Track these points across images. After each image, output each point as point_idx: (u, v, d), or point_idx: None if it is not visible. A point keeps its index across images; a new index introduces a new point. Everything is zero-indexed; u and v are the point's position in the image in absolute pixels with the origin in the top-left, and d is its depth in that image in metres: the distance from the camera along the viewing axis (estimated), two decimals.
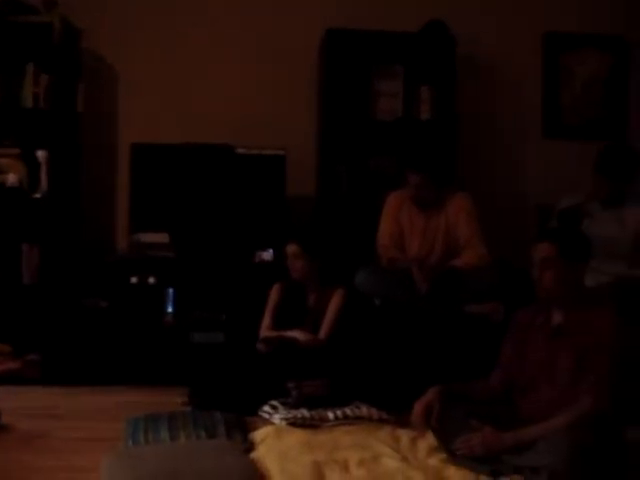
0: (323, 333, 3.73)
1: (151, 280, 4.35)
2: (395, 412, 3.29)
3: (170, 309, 4.33)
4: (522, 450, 2.62)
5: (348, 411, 3.26)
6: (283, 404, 3.32)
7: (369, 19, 4.78)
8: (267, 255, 4.44)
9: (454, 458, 2.72)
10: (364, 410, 3.29)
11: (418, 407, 2.94)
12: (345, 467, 2.66)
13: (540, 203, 4.69)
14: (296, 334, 3.72)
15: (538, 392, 2.84)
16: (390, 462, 2.73)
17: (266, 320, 3.87)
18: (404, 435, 3.00)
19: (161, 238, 4.44)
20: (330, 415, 3.21)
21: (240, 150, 4.57)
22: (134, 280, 4.33)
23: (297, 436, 2.99)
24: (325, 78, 4.77)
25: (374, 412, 3.29)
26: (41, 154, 4.40)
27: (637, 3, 5.22)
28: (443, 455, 2.78)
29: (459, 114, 4.75)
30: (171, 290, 4.33)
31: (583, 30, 5.22)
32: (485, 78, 5.10)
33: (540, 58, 5.25)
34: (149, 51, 4.84)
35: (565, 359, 2.76)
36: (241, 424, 3.15)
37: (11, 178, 4.39)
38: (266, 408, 3.33)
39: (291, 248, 3.85)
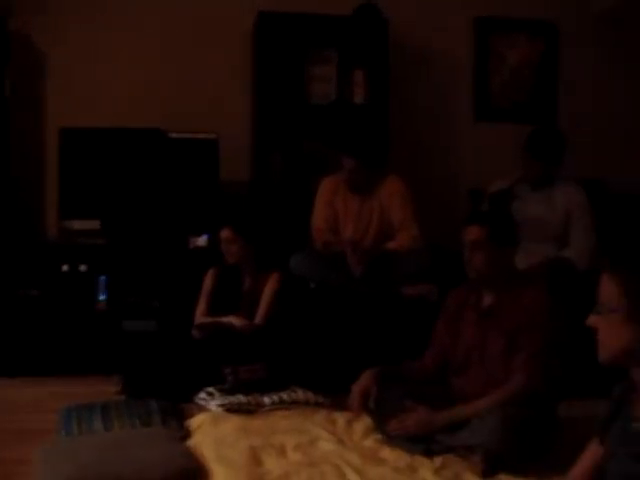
0: (259, 318, 3.72)
1: (82, 268, 4.26)
2: (331, 395, 3.31)
3: (102, 297, 4.25)
4: (456, 429, 2.67)
5: (284, 395, 3.27)
6: (219, 390, 3.30)
7: (302, 2, 4.75)
8: (201, 240, 4.40)
9: (389, 439, 2.75)
10: (300, 394, 3.30)
11: (355, 389, 2.96)
12: (282, 451, 2.67)
13: (472, 186, 4.75)
14: (231, 319, 3.69)
15: (471, 371, 2.89)
16: (326, 445, 2.75)
17: (201, 306, 3.84)
18: (340, 418, 3.03)
19: (92, 225, 4.36)
20: (266, 400, 3.22)
21: (172, 134, 4.51)
22: (65, 268, 4.23)
23: (233, 422, 2.98)
24: (258, 62, 4.72)
25: (310, 396, 3.30)
26: None
27: None
28: (379, 436, 2.82)
29: (392, 98, 4.76)
30: (103, 278, 4.25)
31: (514, 15, 5.28)
32: (417, 62, 5.13)
33: (471, 42, 5.30)
34: (78, 34, 4.72)
35: (496, 339, 2.81)
36: (176, 412, 3.12)
37: None
38: (202, 395, 3.31)
39: (225, 232, 3.82)
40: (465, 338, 2.93)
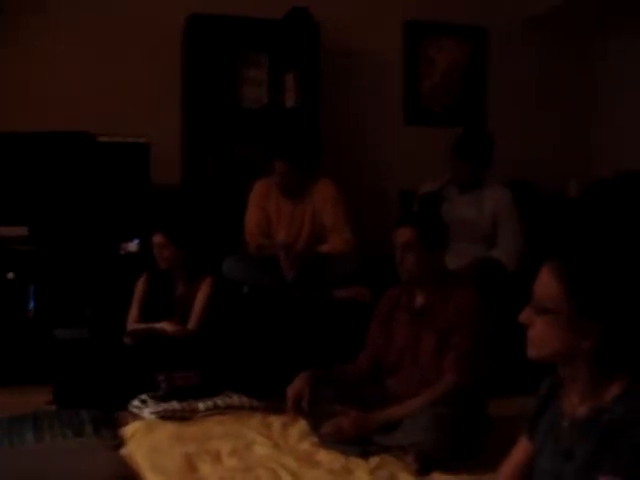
0: (192, 323, 3.69)
1: (10, 275, 4.15)
2: (266, 399, 3.31)
3: (32, 305, 4.16)
4: (390, 430, 2.70)
5: (219, 401, 3.25)
6: (153, 397, 3.26)
7: (233, 5, 4.73)
8: (133, 246, 4.34)
9: (325, 442, 2.77)
10: (235, 399, 3.29)
11: (289, 393, 2.97)
12: (217, 457, 2.66)
13: (403, 188, 4.81)
14: (164, 325, 3.65)
15: (404, 372, 2.93)
16: (262, 449, 2.75)
17: (133, 312, 3.79)
18: (275, 421, 3.03)
19: (19, 231, 4.24)
20: (201, 406, 3.19)
21: (102, 138, 4.43)
22: None
23: (168, 429, 2.96)
24: (189, 65, 4.69)
25: (245, 400, 3.29)
26: None
27: None
28: (314, 439, 2.83)
29: (323, 101, 4.79)
30: (32, 285, 4.16)
31: (444, 19, 5.37)
32: (348, 65, 5.16)
33: (402, 46, 5.36)
34: (5, 35, 4.60)
35: (428, 339, 2.86)
36: (110, 420, 3.08)
37: None
38: (135, 403, 3.27)
39: (157, 237, 3.79)
40: (398, 339, 2.97)
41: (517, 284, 3.64)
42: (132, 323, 3.76)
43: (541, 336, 1.67)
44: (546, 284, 1.67)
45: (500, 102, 5.50)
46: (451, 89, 5.49)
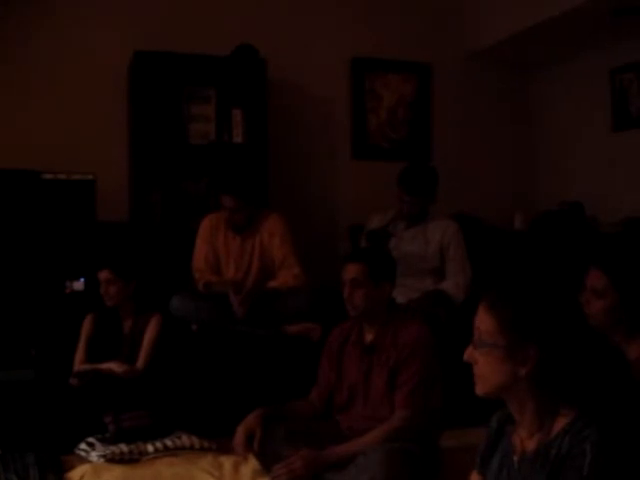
0: (140, 362, 3.63)
1: None
2: (217, 439, 3.26)
3: None
4: (343, 467, 2.68)
5: (169, 442, 3.19)
6: (100, 440, 3.19)
7: (179, 42, 4.74)
8: (78, 284, 4.27)
9: None
10: (185, 439, 3.23)
11: (239, 432, 2.93)
12: None
13: (352, 223, 4.83)
14: (112, 365, 3.58)
15: (356, 408, 2.92)
16: None
17: (79, 353, 3.71)
18: (227, 461, 2.99)
19: None
20: (150, 448, 3.13)
21: (46, 175, 4.37)
22: None
23: (115, 473, 2.89)
24: (135, 101, 4.68)
25: (195, 441, 3.24)
26: None
27: (440, 29, 5.55)
28: (266, 479, 2.79)
29: (271, 136, 4.80)
30: None
31: (388, 55, 5.46)
32: (296, 101, 5.20)
33: (348, 82, 5.43)
34: None
35: (379, 374, 2.86)
36: (56, 464, 2.99)
37: None
38: (82, 446, 3.19)
39: (103, 274, 3.73)
40: (349, 375, 2.96)
41: (465, 316, 3.67)
42: (78, 364, 3.68)
43: (484, 371, 1.71)
44: (482, 319, 1.73)
45: (445, 136, 5.60)
46: (398, 124, 5.56)
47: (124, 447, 3.10)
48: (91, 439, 3.20)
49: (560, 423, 1.67)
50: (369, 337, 2.94)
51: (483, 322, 1.72)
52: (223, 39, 4.80)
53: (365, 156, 5.40)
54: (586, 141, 5.38)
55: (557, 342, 1.67)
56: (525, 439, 1.73)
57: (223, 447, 3.16)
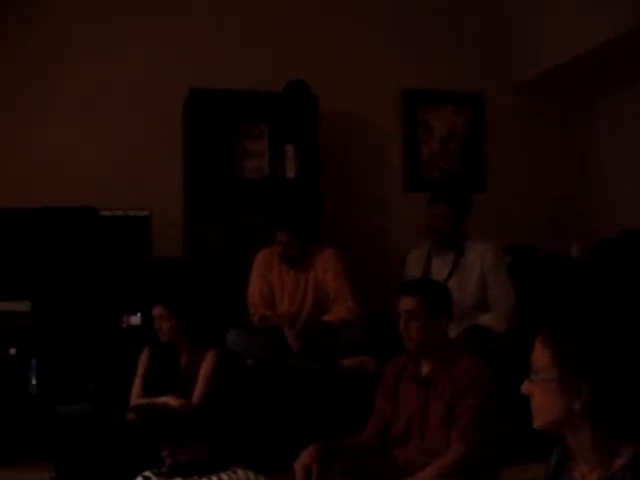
0: (196, 397, 3.64)
1: (12, 351, 4.13)
2: (273, 474, 3.24)
3: (34, 380, 4.12)
4: None
5: (225, 477, 3.17)
6: (157, 474, 3.18)
7: (233, 79, 4.82)
8: (135, 319, 4.33)
9: None
10: (241, 474, 3.21)
11: (297, 467, 2.90)
12: None
13: (404, 254, 4.79)
14: (168, 400, 3.60)
15: (412, 442, 2.87)
16: None
17: (136, 387, 3.74)
18: None
19: (22, 306, 4.24)
20: None
21: (103, 212, 4.46)
22: None
23: None
24: (190, 137, 4.76)
25: (252, 476, 3.21)
26: None
27: (490, 60, 5.54)
28: None
29: (323, 171, 4.83)
30: (34, 360, 4.13)
31: (439, 87, 5.46)
32: (347, 135, 5.23)
33: (400, 114, 5.44)
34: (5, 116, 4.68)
35: (435, 408, 2.81)
36: None
37: None
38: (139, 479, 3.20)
39: (157, 310, 3.77)
40: (405, 408, 2.92)
41: (518, 346, 3.61)
42: (135, 398, 3.72)
43: (539, 404, 1.68)
44: (537, 352, 1.70)
45: (499, 167, 5.56)
46: (450, 155, 5.54)
47: None
48: (147, 473, 3.20)
49: (621, 459, 1.62)
50: (425, 370, 2.90)
51: (538, 353, 1.69)
52: (275, 75, 4.88)
53: (417, 188, 5.37)
54: None
55: (611, 377, 1.63)
56: (586, 474, 1.68)
57: None
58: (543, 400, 1.67)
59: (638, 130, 5.35)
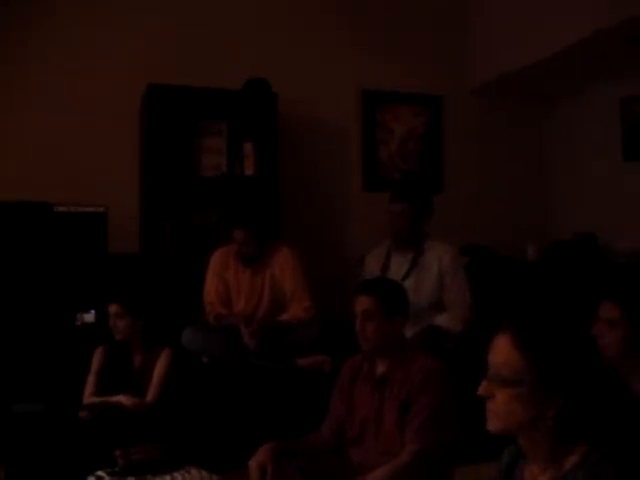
0: (150, 395, 3.61)
1: None
2: (227, 473, 3.23)
3: None
4: None
5: (178, 476, 3.16)
6: (110, 474, 3.15)
7: (192, 75, 4.79)
8: (89, 317, 4.28)
9: None
10: (195, 473, 3.19)
11: (251, 466, 2.89)
12: None
13: (363, 254, 4.81)
14: (121, 398, 3.56)
15: (367, 442, 2.88)
16: None
17: (89, 386, 3.69)
18: None
19: None
20: None
21: (59, 208, 4.39)
22: None
23: None
24: (147, 133, 4.71)
25: (205, 475, 3.20)
26: None
27: (450, 63, 5.58)
28: None
29: (282, 169, 4.82)
30: None
31: (399, 88, 5.49)
32: (307, 134, 5.23)
33: (359, 114, 5.45)
34: None
35: (391, 408, 2.82)
36: None
37: None
38: (91, 479, 3.16)
39: (113, 307, 3.73)
40: (360, 408, 2.93)
41: (473, 347, 3.65)
42: (88, 396, 3.67)
43: (503, 409, 1.65)
44: (507, 355, 1.65)
45: (457, 168, 5.61)
46: (408, 156, 5.57)
47: None
48: (100, 472, 3.16)
49: (573, 458, 1.64)
50: (380, 370, 2.91)
51: (508, 358, 1.64)
52: (235, 73, 4.85)
53: (376, 187, 5.41)
54: (598, 171, 5.38)
55: (583, 384, 1.64)
56: (537, 474, 1.69)
57: None
58: (508, 405, 1.64)
59: (593, 133, 5.45)
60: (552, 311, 1.77)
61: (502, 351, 1.66)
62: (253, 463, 2.87)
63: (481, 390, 1.67)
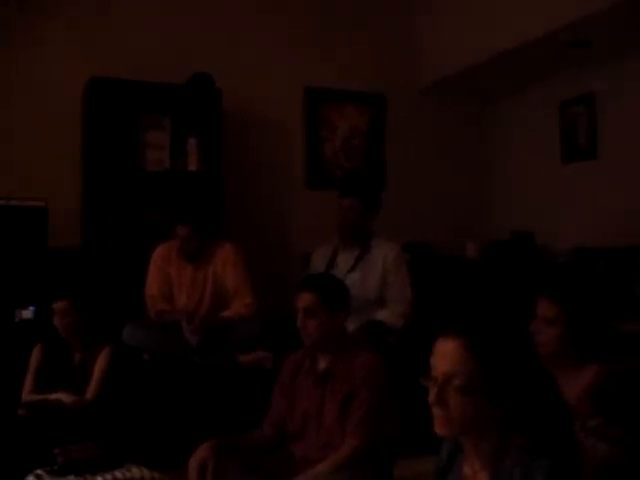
0: (90, 393, 3.56)
1: None
2: (169, 471, 3.21)
3: None
4: None
5: (119, 474, 3.12)
6: (49, 472, 3.10)
7: (135, 70, 4.73)
8: (28, 313, 4.20)
9: None
10: (135, 472, 3.16)
11: (192, 464, 2.88)
12: None
13: (306, 251, 4.84)
14: (60, 396, 3.51)
15: (309, 437, 2.89)
16: None
17: (28, 383, 3.63)
18: None
19: None
20: None
21: None
22: None
23: None
24: (89, 128, 4.65)
25: (146, 473, 3.17)
26: None
27: (394, 62, 5.63)
28: None
29: (225, 165, 4.81)
30: None
31: (343, 86, 5.52)
32: (251, 130, 5.23)
33: (302, 111, 5.47)
34: None
35: (331, 403, 2.85)
36: None
37: None
38: (31, 478, 3.09)
39: (61, 304, 3.67)
40: (301, 404, 2.94)
41: (409, 339, 3.70)
42: (26, 394, 3.61)
43: (458, 415, 1.65)
44: (459, 362, 1.66)
45: (399, 166, 5.67)
46: (352, 153, 5.61)
47: (73, 479, 3.04)
48: (39, 471, 3.12)
49: (512, 454, 1.67)
50: (322, 366, 2.93)
51: (461, 363, 1.65)
52: (179, 68, 4.82)
53: (319, 185, 5.44)
54: (537, 172, 5.49)
55: (526, 382, 1.68)
56: (478, 470, 1.72)
57: (174, 479, 3.11)
58: (463, 410, 1.64)
59: (533, 134, 5.56)
60: (497, 314, 1.80)
61: (453, 357, 1.66)
62: (194, 461, 2.87)
63: (432, 398, 1.66)
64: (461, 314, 1.86)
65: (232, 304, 4.12)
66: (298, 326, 2.90)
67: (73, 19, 4.83)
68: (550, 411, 1.67)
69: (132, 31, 4.95)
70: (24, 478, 3.12)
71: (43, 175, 4.63)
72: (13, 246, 4.30)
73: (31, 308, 4.19)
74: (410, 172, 5.68)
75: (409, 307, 4.05)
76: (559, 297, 2.50)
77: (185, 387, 3.83)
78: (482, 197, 5.92)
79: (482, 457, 1.71)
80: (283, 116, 5.38)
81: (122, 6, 4.96)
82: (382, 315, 3.99)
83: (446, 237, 5.46)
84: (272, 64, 5.31)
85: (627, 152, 4.76)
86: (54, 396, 3.53)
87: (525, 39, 4.63)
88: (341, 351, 2.90)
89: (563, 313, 2.46)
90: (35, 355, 3.71)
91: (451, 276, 5.02)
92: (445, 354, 1.67)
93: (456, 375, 1.64)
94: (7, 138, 4.63)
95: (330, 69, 5.46)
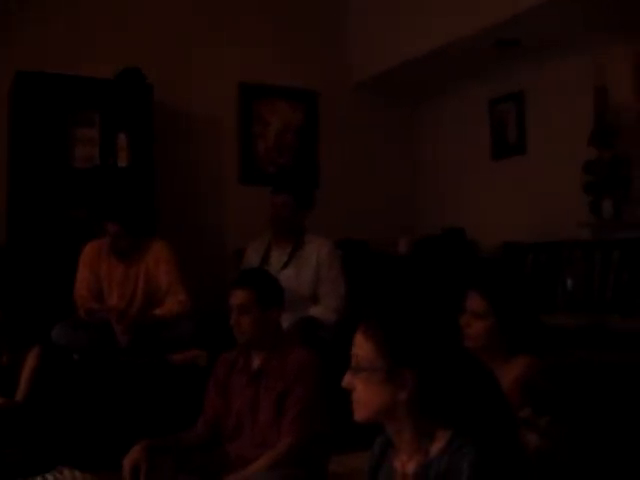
0: (19, 395, 3.49)
1: None
2: (101, 473, 3.16)
3: None
4: None
5: (50, 477, 3.07)
6: None
7: (63, 63, 4.63)
8: None
9: None
10: (67, 474, 3.11)
11: (125, 465, 2.84)
12: None
13: (239, 247, 4.82)
14: None
15: (244, 436, 2.89)
16: None
17: None
18: None
19: None
20: None
21: None
22: None
23: None
24: (16, 123, 4.53)
25: (78, 475, 3.12)
26: None
27: (327, 58, 5.64)
28: None
29: (157, 161, 4.75)
30: None
31: (276, 82, 5.50)
32: (183, 126, 5.18)
33: (235, 107, 5.44)
34: None
35: (266, 401, 2.85)
36: None
37: None
38: None
39: None
40: (236, 402, 2.93)
41: (342, 334, 3.72)
42: None
43: (362, 397, 1.71)
44: (359, 344, 1.73)
45: (332, 163, 5.69)
46: (285, 150, 5.61)
47: None
48: None
49: (438, 444, 1.69)
50: (256, 363, 2.92)
51: (361, 347, 1.72)
52: (109, 62, 4.75)
53: (252, 181, 5.42)
54: (468, 169, 5.57)
55: (433, 366, 1.70)
56: (405, 462, 1.75)
57: None
58: (367, 392, 1.70)
59: (463, 132, 5.64)
60: (406, 300, 1.85)
61: (358, 342, 1.73)
62: (127, 462, 2.83)
63: (344, 382, 1.74)
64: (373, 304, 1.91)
65: (165, 302, 4.08)
66: (231, 324, 2.89)
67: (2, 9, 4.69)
68: (475, 398, 1.69)
69: (61, 23, 4.84)
70: None
71: None
72: None
73: None
74: (343, 169, 5.70)
75: (342, 302, 4.09)
76: (488, 292, 2.55)
77: (117, 387, 3.78)
78: (415, 194, 5.98)
79: (407, 448, 1.73)
80: (216, 111, 5.34)
81: None
82: (315, 311, 4.03)
83: (381, 234, 5.50)
84: (205, 59, 5.26)
85: (554, 148, 4.87)
86: None
87: (456, 37, 4.69)
88: (275, 348, 2.90)
89: (492, 307, 2.52)
90: None
91: (384, 272, 5.06)
92: (355, 341, 1.74)
93: (360, 359, 1.71)
94: None
95: (264, 65, 5.45)
